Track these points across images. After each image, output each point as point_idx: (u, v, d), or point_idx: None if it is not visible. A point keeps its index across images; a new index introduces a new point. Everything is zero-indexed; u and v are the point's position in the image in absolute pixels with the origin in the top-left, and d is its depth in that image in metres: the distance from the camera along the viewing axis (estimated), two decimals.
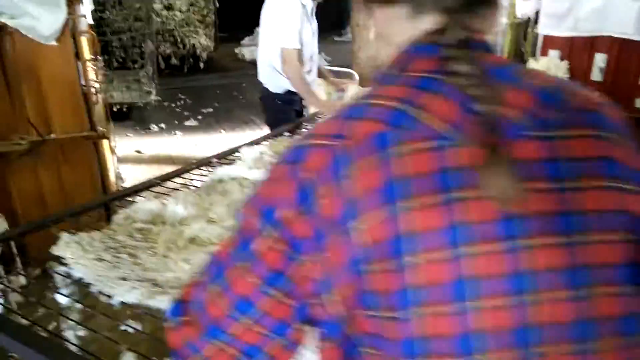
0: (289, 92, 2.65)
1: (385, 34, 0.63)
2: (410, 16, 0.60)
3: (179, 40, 6.55)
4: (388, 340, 0.52)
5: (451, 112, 0.51)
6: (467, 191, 0.49)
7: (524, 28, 3.28)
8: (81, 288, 1.07)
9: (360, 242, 0.51)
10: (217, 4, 7.05)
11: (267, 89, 2.66)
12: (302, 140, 0.59)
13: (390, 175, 0.50)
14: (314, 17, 2.60)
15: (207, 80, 6.62)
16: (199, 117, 5.33)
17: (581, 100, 0.55)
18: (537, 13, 3.10)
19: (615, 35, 2.83)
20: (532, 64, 2.99)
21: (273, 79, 2.61)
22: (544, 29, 3.05)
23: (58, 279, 1.09)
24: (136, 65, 5.26)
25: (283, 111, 2.75)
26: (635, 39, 2.77)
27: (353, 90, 2.76)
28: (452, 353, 0.50)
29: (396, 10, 0.61)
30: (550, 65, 2.94)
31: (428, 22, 0.59)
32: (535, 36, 3.18)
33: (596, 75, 3.00)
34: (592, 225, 0.50)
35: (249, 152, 1.68)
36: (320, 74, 2.80)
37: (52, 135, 2.32)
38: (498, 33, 3.24)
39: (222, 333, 0.58)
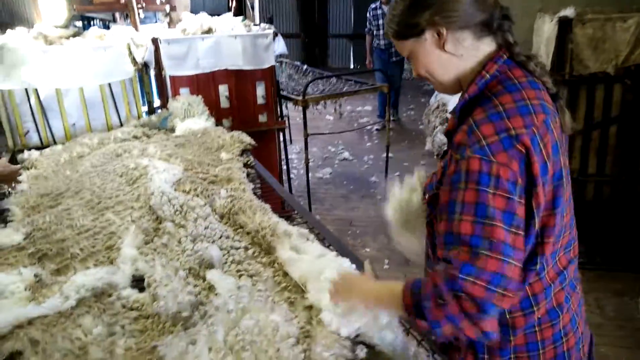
0: None
1: (458, 55, 1.02)
2: (476, 38, 1.02)
3: None
4: (551, 227, 1.01)
5: (548, 97, 1.02)
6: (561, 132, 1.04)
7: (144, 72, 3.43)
8: None
9: (550, 173, 0.97)
10: None
11: None
12: (507, 132, 0.93)
13: (554, 138, 0.98)
14: None
15: None
16: None
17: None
18: (157, 58, 3.32)
19: (230, 68, 3.44)
20: (174, 103, 3.20)
21: None
22: (170, 70, 3.32)
23: None
24: None
25: None
26: (245, 68, 3.47)
27: None
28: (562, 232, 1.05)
29: (466, 35, 1.01)
30: (188, 100, 3.23)
31: (488, 43, 1.03)
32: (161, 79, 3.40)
33: (224, 103, 3.54)
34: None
35: None
36: None
37: None
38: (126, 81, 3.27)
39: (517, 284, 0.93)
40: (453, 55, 1.02)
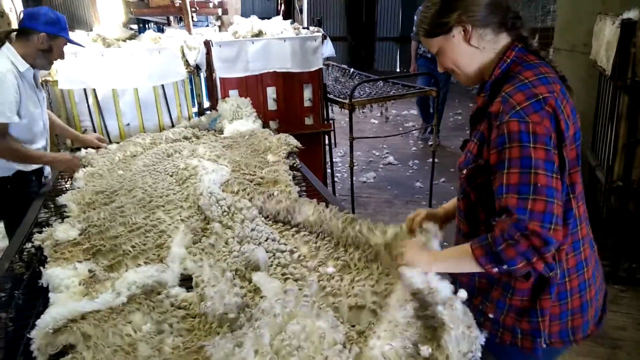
0: (19, 173, 2.39)
1: (481, 48, 1.24)
2: (495, 34, 1.23)
3: None
4: (578, 183, 1.23)
5: (556, 73, 1.21)
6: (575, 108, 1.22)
7: (196, 74, 3.51)
8: None
9: (572, 132, 1.17)
10: None
11: None
12: (535, 97, 1.12)
13: (570, 105, 1.19)
14: (40, 87, 2.53)
15: None
16: None
17: None
18: (208, 61, 3.39)
19: (278, 70, 3.47)
20: (223, 105, 3.26)
21: None
22: (220, 73, 3.38)
23: None
24: None
25: (17, 197, 2.13)
26: (294, 71, 3.49)
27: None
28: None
29: (487, 31, 1.23)
30: (236, 102, 3.28)
31: (505, 37, 1.24)
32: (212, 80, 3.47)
33: (271, 105, 3.57)
34: None
35: None
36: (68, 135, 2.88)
37: None
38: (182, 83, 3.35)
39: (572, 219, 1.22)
40: (476, 48, 1.23)
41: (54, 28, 2.37)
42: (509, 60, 1.21)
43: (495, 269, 1.12)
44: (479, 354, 1.10)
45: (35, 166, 2.49)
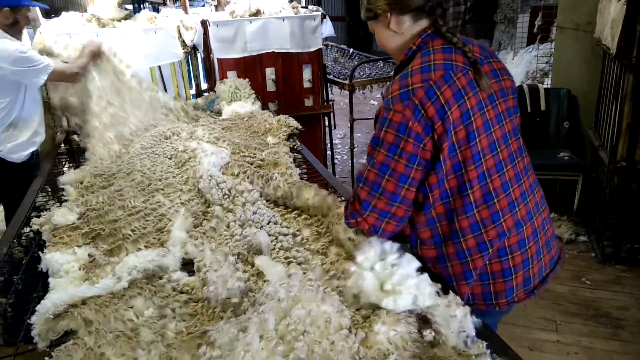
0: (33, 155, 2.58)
1: (400, 32, 1.34)
2: (413, 21, 1.32)
3: None
4: (469, 158, 1.27)
5: (461, 58, 1.27)
6: (475, 90, 1.26)
7: (193, 55, 3.44)
8: None
9: (455, 116, 1.23)
10: None
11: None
12: (406, 87, 1.23)
13: (455, 88, 1.24)
14: None
15: None
16: None
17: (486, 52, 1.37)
18: (205, 41, 3.32)
19: (277, 50, 3.40)
20: (221, 86, 3.21)
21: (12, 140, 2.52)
22: (218, 53, 3.31)
23: None
24: None
25: (28, 180, 2.22)
26: (293, 51, 3.42)
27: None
28: (501, 169, 1.33)
29: (405, 18, 1.32)
30: (235, 83, 3.23)
31: (423, 23, 1.32)
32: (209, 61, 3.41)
33: (270, 87, 3.52)
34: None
35: None
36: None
37: None
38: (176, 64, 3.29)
39: (396, 196, 1.25)
40: (396, 32, 1.35)
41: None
42: (414, 47, 1.32)
43: (348, 225, 1.37)
44: (472, 330, 1.09)
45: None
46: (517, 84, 4.64)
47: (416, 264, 1.24)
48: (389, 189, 1.24)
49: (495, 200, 1.29)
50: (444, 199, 1.29)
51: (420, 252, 1.36)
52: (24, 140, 2.54)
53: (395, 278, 1.18)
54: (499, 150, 1.29)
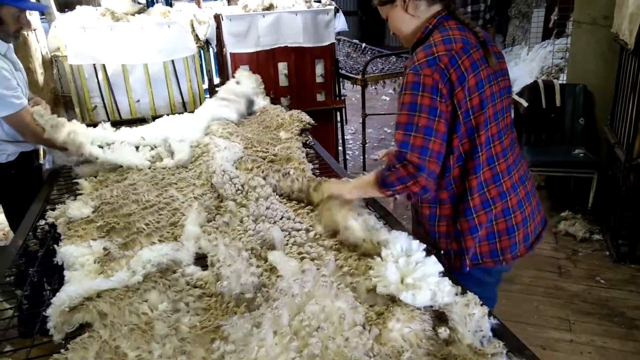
0: (23, 155, 2.27)
1: (416, 16, 1.49)
2: (428, 5, 1.47)
3: None
4: (482, 123, 1.43)
5: (472, 37, 1.44)
6: (485, 64, 1.43)
7: (206, 49, 3.45)
8: None
9: (471, 83, 1.39)
10: None
11: None
12: (432, 55, 1.37)
13: (472, 60, 1.39)
14: (20, 67, 2.25)
15: None
16: None
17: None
18: (218, 35, 3.32)
19: (290, 45, 3.39)
20: (233, 79, 3.20)
21: None
22: (231, 47, 3.31)
23: None
24: None
25: (24, 177, 2.08)
26: (305, 46, 3.41)
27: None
28: (502, 136, 1.51)
29: (422, 2, 1.47)
30: (244, 77, 3.21)
31: (436, 7, 1.47)
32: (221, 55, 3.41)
33: (283, 81, 3.51)
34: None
35: None
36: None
37: None
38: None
39: (441, 154, 1.38)
40: (412, 16, 1.49)
41: None
42: (430, 27, 1.46)
43: (388, 192, 1.43)
44: (489, 330, 1.08)
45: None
46: (532, 79, 4.59)
47: (439, 267, 1.24)
48: (436, 149, 1.36)
49: (496, 163, 1.46)
50: (460, 161, 1.45)
51: (439, 211, 1.52)
52: (10, 153, 2.27)
53: (417, 274, 1.17)
54: (500, 119, 1.47)
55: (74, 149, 2.08)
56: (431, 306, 1.13)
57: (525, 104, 3.90)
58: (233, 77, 3.25)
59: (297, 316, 1.09)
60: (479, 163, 1.44)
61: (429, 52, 1.38)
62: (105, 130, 2.23)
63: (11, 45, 2.19)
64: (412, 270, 1.19)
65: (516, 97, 4.02)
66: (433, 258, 1.26)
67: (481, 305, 1.11)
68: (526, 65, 5.84)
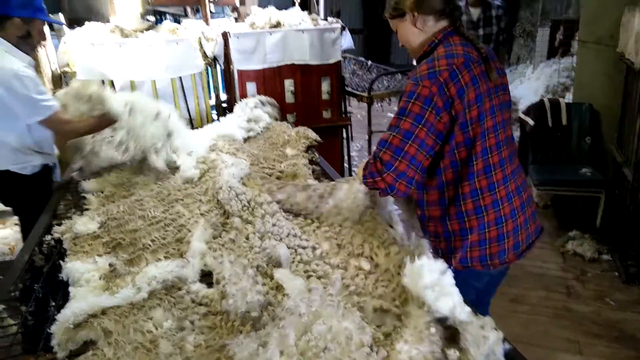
0: (45, 168, 2.37)
1: (424, 30, 1.58)
2: (435, 21, 1.57)
3: None
4: (479, 135, 1.53)
5: (475, 53, 1.53)
6: (485, 79, 1.52)
7: (213, 66, 3.47)
8: None
9: (470, 97, 1.47)
10: None
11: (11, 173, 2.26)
12: (433, 68, 1.46)
13: (472, 74, 1.48)
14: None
15: None
16: None
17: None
18: (226, 52, 3.35)
19: (296, 62, 3.42)
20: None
21: (20, 160, 2.27)
22: (238, 64, 3.34)
23: None
24: None
25: (43, 190, 2.13)
26: (312, 63, 3.44)
27: None
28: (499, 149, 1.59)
29: (429, 18, 1.56)
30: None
31: (443, 23, 1.57)
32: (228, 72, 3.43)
33: (289, 98, 3.52)
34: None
35: None
36: None
37: None
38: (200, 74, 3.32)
39: (415, 159, 1.45)
40: (421, 30, 1.58)
41: (28, 10, 2.14)
42: (436, 41, 1.55)
43: (363, 184, 1.55)
44: (502, 357, 1.06)
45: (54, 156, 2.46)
46: (538, 98, 4.59)
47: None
48: (411, 153, 1.44)
49: (493, 173, 1.54)
50: (454, 167, 1.53)
51: (426, 212, 1.63)
52: (36, 164, 2.34)
53: (444, 286, 1.15)
54: (498, 132, 1.54)
55: (99, 104, 2.15)
56: (446, 319, 1.11)
57: (531, 122, 3.89)
58: (241, 97, 3.27)
59: (304, 336, 1.07)
60: (474, 171, 1.52)
61: (431, 66, 1.47)
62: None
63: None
64: (439, 283, 1.17)
65: (522, 116, 4.02)
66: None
67: (496, 330, 1.09)
68: (531, 83, 5.86)
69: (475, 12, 3.64)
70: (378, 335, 1.15)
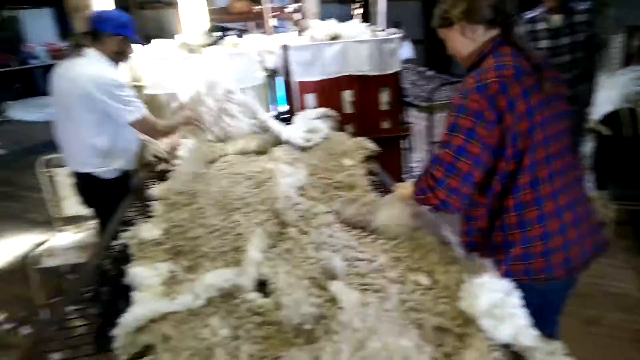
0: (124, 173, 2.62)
1: (473, 40, 1.55)
2: (485, 30, 1.53)
3: None
4: (529, 148, 1.47)
5: (526, 63, 1.46)
6: (537, 90, 1.45)
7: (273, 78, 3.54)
8: None
9: (521, 109, 1.42)
10: None
11: (93, 177, 2.53)
12: (482, 81, 1.43)
13: (523, 86, 1.43)
14: None
15: None
16: None
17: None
18: (285, 64, 3.41)
19: (355, 74, 3.41)
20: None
21: (105, 163, 2.55)
22: (297, 76, 3.38)
23: None
24: None
25: (120, 195, 2.35)
26: (370, 74, 3.42)
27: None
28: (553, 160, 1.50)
29: (479, 27, 1.53)
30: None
31: (494, 32, 1.53)
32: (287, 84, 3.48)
33: (348, 109, 3.52)
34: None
35: None
36: None
37: None
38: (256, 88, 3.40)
39: (466, 175, 1.44)
40: (470, 39, 1.55)
41: (126, 30, 2.47)
42: (486, 51, 1.52)
43: (414, 199, 1.57)
44: None
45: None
46: (613, 107, 4.31)
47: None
48: (464, 169, 1.42)
49: (540, 187, 1.47)
50: (503, 180, 1.49)
51: (472, 225, 1.59)
52: (117, 168, 2.60)
53: (506, 309, 1.09)
54: (549, 145, 1.48)
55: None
56: (509, 345, 1.04)
57: (606, 132, 3.65)
58: (301, 108, 3.31)
59: (358, 352, 1.04)
60: (518, 185, 1.48)
61: (479, 79, 1.44)
62: None
63: None
64: (502, 305, 1.11)
65: (597, 126, 3.79)
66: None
67: (569, 357, 1.01)
68: (605, 92, 5.52)
69: (556, 20, 3.30)
70: (437, 355, 1.10)
